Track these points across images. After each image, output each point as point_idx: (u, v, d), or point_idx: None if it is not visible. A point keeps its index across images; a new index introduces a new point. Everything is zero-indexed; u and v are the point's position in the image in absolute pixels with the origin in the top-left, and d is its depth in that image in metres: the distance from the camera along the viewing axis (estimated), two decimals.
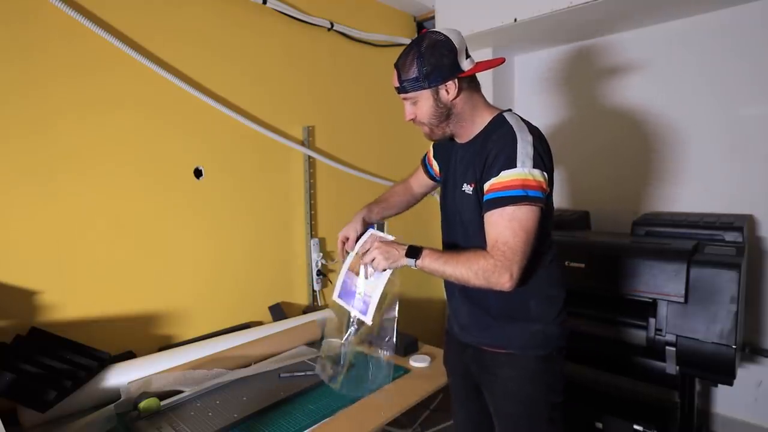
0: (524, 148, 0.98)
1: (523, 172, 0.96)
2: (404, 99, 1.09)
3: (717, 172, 2.05)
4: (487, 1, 2.17)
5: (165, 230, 1.55)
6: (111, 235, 1.42)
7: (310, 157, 1.96)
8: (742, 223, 1.75)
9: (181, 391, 1.29)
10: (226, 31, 1.68)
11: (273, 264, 1.90)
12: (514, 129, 1.02)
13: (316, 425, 1.17)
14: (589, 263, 1.74)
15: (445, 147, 1.23)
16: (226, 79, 1.69)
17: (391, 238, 1.17)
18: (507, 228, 0.96)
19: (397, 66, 1.07)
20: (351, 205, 2.19)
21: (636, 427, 1.70)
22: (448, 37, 1.04)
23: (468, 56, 1.07)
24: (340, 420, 1.21)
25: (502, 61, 1.11)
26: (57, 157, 1.31)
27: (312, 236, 2.00)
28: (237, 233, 1.75)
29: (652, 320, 1.61)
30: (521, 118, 1.08)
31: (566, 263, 1.76)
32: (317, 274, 2.00)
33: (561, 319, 1.13)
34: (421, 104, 1.07)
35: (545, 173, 0.99)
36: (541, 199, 0.98)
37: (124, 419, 1.17)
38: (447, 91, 1.04)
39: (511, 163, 0.97)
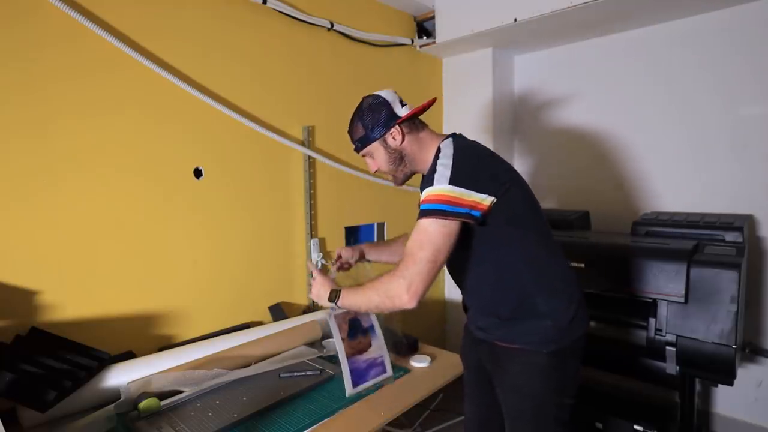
0: (442, 167, 1.06)
1: (436, 188, 1.03)
2: (363, 156, 1.25)
3: (717, 172, 2.05)
4: (487, 1, 2.17)
5: (165, 230, 1.55)
6: (111, 235, 1.42)
7: (310, 157, 1.96)
8: (742, 223, 1.75)
9: (181, 391, 1.29)
10: (226, 31, 1.68)
11: (273, 264, 1.90)
12: (440, 155, 1.10)
13: (316, 425, 1.17)
14: (589, 263, 1.75)
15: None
16: (226, 79, 1.69)
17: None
18: (415, 241, 1.03)
19: (349, 132, 1.25)
20: (351, 205, 2.21)
21: (636, 427, 1.70)
22: (379, 95, 1.20)
23: (404, 104, 1.21)
24: (340, 420, 1.21)
25: (434, 100, 1.24)
26: (57, 158, 1.31)
27: (312, 236, 2.00)
28: (237, 233, 1.75)
29: (652, 320, 1.61)
30: (457, 140, 1.15)
31: None
32: None
33: (573, 313, 1.11)
34: (377, 155, 1.21)
35: (472, 189, 1.02)
36: (462, 214, 1.01)
37: (124, 419, 1.17)
38: (393, 137, 1.18)
39: (430, 183, 1.06)
